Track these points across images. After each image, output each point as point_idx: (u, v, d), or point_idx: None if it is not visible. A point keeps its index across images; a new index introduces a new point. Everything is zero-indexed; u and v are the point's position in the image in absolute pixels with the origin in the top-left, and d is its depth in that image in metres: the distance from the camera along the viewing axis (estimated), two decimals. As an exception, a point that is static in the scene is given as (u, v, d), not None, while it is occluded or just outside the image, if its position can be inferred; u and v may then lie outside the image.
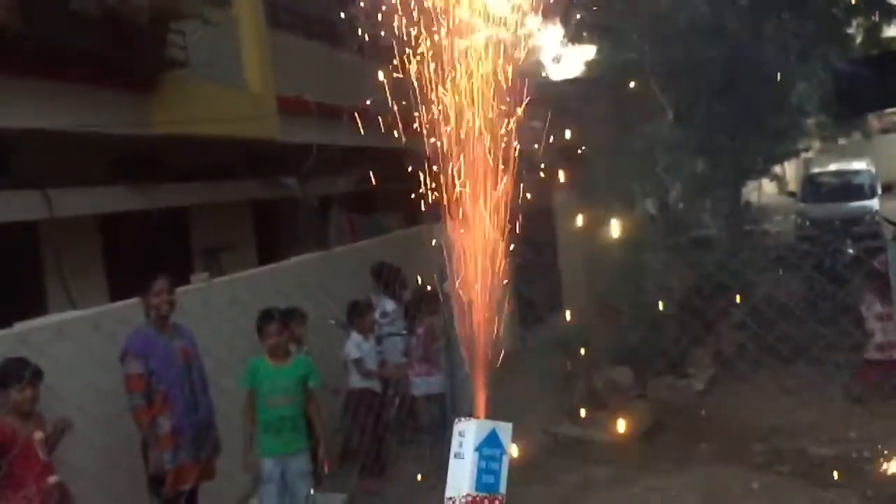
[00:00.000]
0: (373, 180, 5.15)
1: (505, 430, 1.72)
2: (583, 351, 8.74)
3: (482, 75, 2.04)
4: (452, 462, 1.70)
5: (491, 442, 1.69)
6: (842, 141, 27.92)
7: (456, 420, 1.72)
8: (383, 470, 6.89)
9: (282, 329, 5.42)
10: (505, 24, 2.13)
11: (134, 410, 5.00)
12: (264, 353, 5.38)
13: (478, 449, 1.68)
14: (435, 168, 2.05)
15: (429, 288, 6.77)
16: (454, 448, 1.70)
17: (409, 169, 2.20)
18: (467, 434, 1.69)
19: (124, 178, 8.49)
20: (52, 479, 4.31)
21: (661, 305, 8.61)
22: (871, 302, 7.85)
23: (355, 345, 6.77)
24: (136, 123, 7.71)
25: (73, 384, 4.82)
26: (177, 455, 5.07)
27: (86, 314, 5.44)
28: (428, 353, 7.04)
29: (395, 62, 2.22)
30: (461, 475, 1.68)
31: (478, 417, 1.73)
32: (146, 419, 5.00)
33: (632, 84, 10.45)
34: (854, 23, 14.70)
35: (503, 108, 2.08)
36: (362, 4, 2.43)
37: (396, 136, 2.42)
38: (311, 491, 5.43)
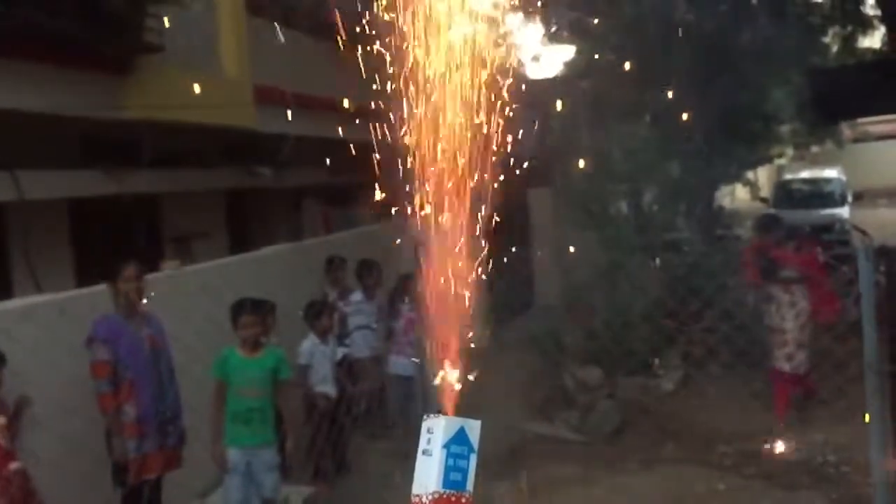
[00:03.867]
0: (348, 173, 5.12)
1: (473, 427, 1.71)
2: (554, 349, 8.78)
3: (460, 70, 2.03)
4: (420, 459, 1.69)
5: (459, 439, 1.68)
6: (814, 149, 28.31)
7: (425, 417, 1.71)
8: (347, 469, 6.83)
9: (256, 320, 5.38)
10: (486, 20, 2.12)
11: (99, 397, 4.93)
12: (237, 343, 5.33)
13: (446, 446, 1.67)
14: (410, 163, 2.04)
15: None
16: (422, 445, 1.69)
17: (385, 163, 2.18)
18: (436, 431, 1.68)
19: (96, 162, 8.38)
20: (14, 466, 4.24)
21: (633, 306, 8.66)
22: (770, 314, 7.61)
23: (307, 349, 6.56)
24: (110, 107, 7.60)
25: (39, 369, 4.75)
26: (142, 444, 5.01)
27: (53, 298, 5.36)
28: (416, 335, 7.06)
29: (374, 54, 2.20)
30: (428, 472, 1.67)
31: (447, 414, 1.72)
32: (111, 406, 4.93)
33: (609, 85, 10.50)
34: (830, 32, 14.88)
35: (482, 103, 2.07)
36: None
37: (373, 129, 2.40)
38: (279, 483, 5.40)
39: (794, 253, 7.46)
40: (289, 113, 9.94)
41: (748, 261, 7.70)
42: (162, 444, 5.11)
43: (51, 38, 6.92)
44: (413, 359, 7.18)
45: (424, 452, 1.68)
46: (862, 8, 13.92)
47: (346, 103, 2.89)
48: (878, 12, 13.51)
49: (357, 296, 7.65)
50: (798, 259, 7.42)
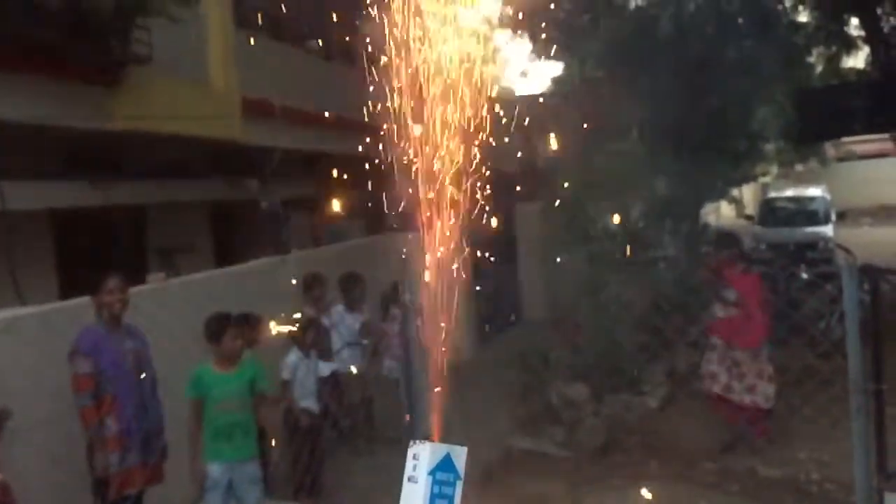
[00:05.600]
0: (335, 186, 5.11)
1: (459, 454, 1.70)
2: (540, 365, 8.77)
3: (449, 86, 2.03)
4: (406, 486, 1.67)
5: (445, 466, 1.67)
6: (799, 167, 28.56)
7: (411, 442, 1.70)
8: (320, 491, 6.75)
9: (240, 333, 5.34)
10: (475, 37, 2.13)
11: (81, 411, 4.88)
12: (211, 359, 5.26)
13: (431, 473, 1.65)
14: (398, 177, 2.04)
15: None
16: (408, 471, 1.67)
17: (373, 176, 2.18)
18: (421, 457, 1.67)
19: (81, 173, 8.33)
20: (-7, 479, 4.20)
21: (618, 322, 8.67)
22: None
23: (291, 363, 6.44)
24: (96, 118, 7.57)
25: (20, 381, 4.71)
26: (123, 458, 4.96)
27: (36, 311, 5.31)
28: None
29: (363, 69, 2.20)
30: (414, 499, 1.65)
31: (433, 440, 1.71)
32: (93, 420, 4.88)
33: (597, 101, 10.57)
34: (814, 52, 15.04)
35: (469, 119, 2.07)
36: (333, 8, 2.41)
37: (361, 142, 2.40)
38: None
39: (740, 275, 7.29)
40: (276, 126, 9.95)
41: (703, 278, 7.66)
42: (144, 458, 5.07)
43: (38, 49, 6.89)
44: (400, 360, 7.10)
45: (410, 479, 1.67)
46: (846, 28, 14.10)
47: (335, 117, 2.90)
48: (862, 33, 13.68)
49: (339, 308, 7.59)
50: (740, 282, 7.23)
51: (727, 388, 7.25)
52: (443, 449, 1.68)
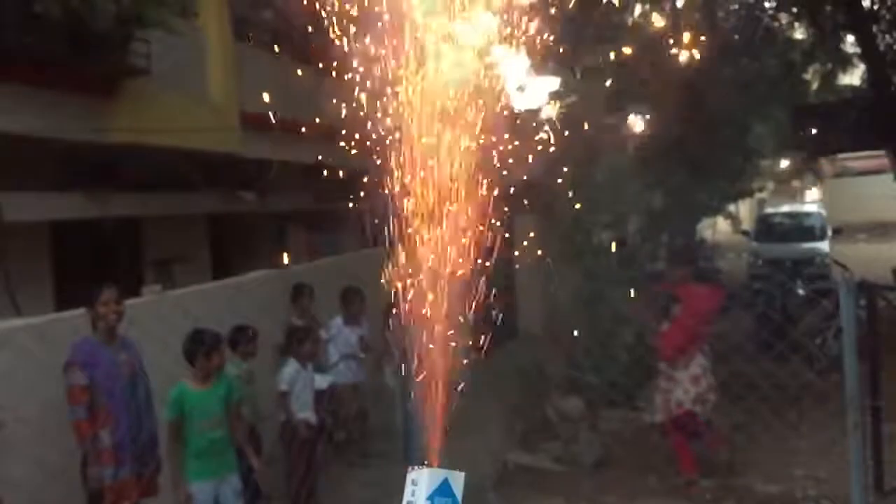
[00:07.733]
0: (333, 198, 5.10)
1: (457, 479, 1.71)
2: (536, 379, 8.76)
3: (448, 100, 2.04)
4: None
5: (443, 491, 1.68)
6: (795, 183, 28.66)
7: (409, 468, 1.70)
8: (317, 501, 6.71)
9: (225, 351, 5.32)
10: (474, 52, 2.13)
11: (75, 423, 4.85)
12: (190, 377, 5.17)
13: (430, 498, 1.66)
14: (395, 189, 2.04)
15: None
16: (406, 497, 1.68)
17: (370, 190, 2.18)
18: (420, 483, 1.67)
19: (78, 184, 8.32)
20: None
21: (615, 337, 8.67)
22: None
23: (288, 375, 6.37)
24: (94, 130, 7.57)
25: (15, 394, 4.68)
26: (118, 471, 4.93)
27: (32, 322, 5.28)
28: None
29: (360, 82, 2.21)
30: None
31: (431, 465, 1.71)
32: (88, 433, 4.85)
33: (594, 116, 10.60)
34: (810, 69, 15.14)
35: (467, 133, 2.08)
36: (331, 22, 2.42)
37: (358, 156, 2.40)
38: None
39: (691, 287, 7.19)
40: (275, 138, 9.95)
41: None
42: (138, 471, 5.03)
43: (35, 60, 6.89)
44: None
45: None
46: (842, 46, 14.19)
47: (331, 129, 2.90)
48: (858, 50, 13.78)
49: (338, 321, 7.58)
50: (688, 293, 7.09)
51: (671, 403, 7.10)
52: (441, 474, 1.69)
